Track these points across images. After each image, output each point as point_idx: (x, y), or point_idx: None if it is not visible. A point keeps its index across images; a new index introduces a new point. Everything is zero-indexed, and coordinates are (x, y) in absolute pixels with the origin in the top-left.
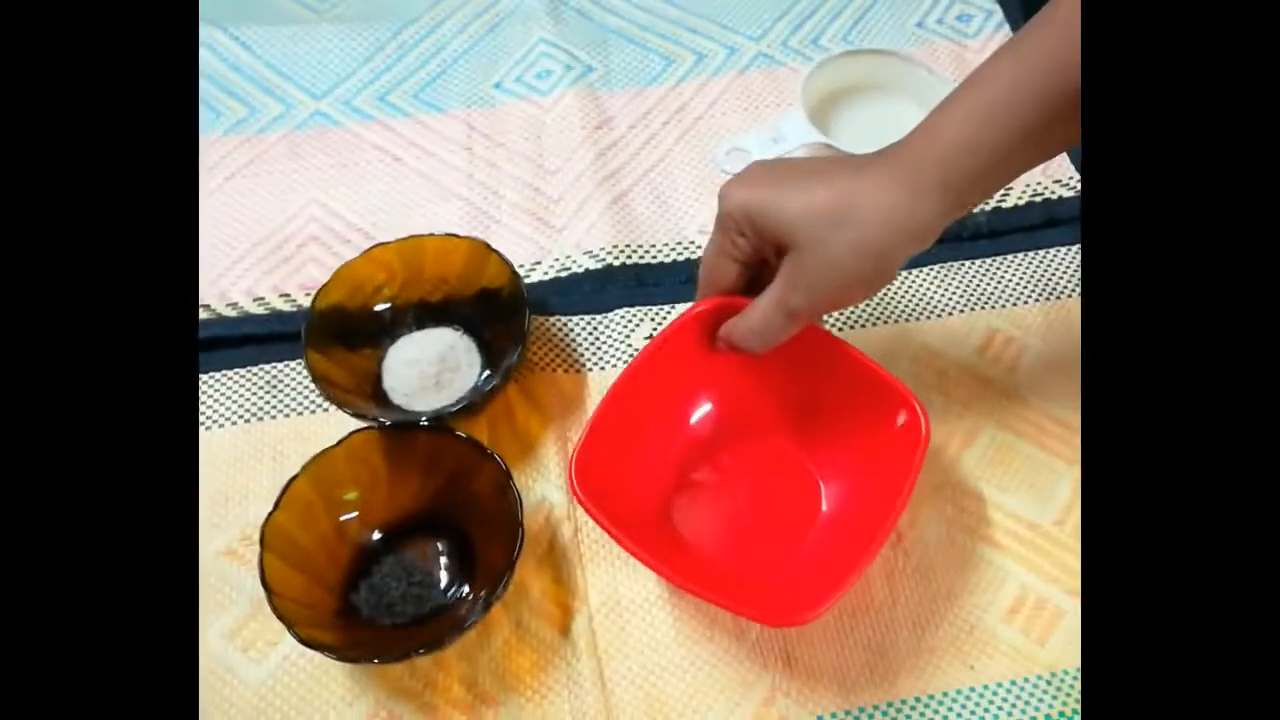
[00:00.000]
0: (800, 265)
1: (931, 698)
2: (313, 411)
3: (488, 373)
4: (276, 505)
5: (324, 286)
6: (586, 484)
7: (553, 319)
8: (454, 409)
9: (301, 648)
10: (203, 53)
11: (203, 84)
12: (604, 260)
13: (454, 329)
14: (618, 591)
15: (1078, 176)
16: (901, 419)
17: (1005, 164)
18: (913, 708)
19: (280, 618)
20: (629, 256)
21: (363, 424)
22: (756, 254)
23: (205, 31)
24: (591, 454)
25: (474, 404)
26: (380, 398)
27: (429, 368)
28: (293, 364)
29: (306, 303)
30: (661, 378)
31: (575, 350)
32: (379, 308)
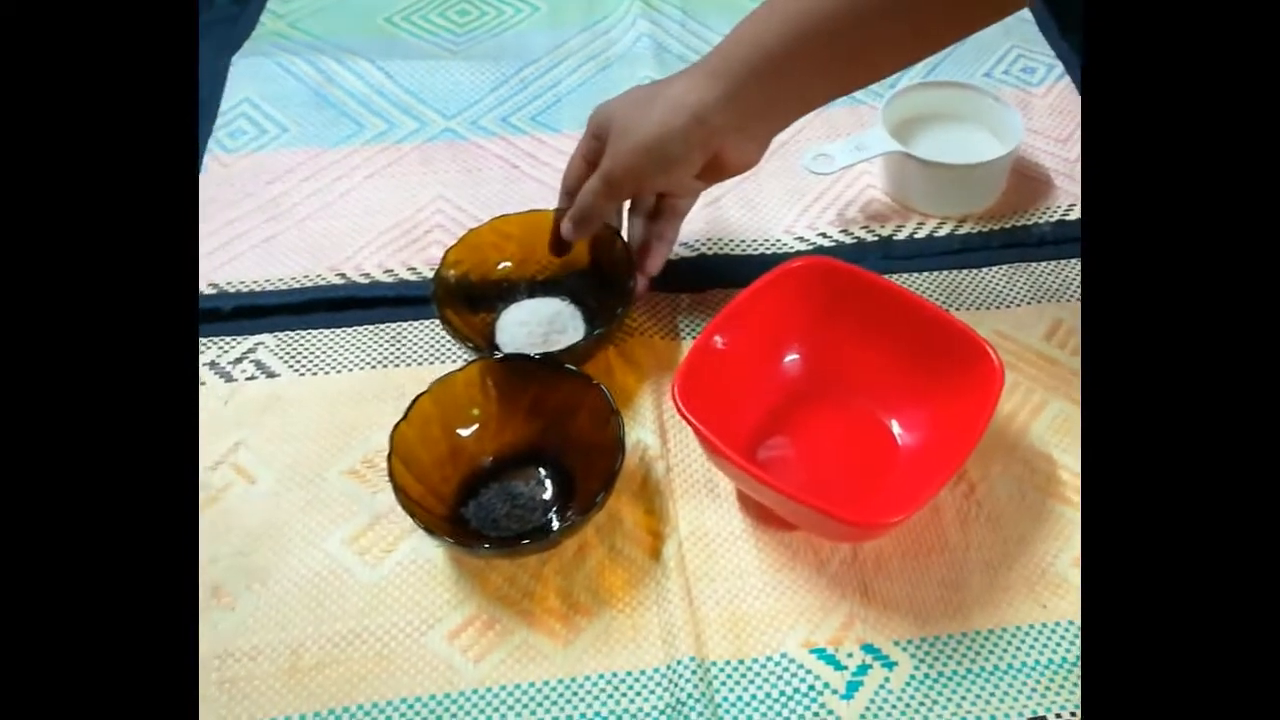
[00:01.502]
0: (615, 140)
1: (1004, 630)
2: (431, 364)
3: (598, 332)
4: (404, 417)
5: (452, 248)
6: (688, 402)
7: (651, 292)
8: (561, 352)
9: (413, 556)
10: (352, 80)
11: (348, 103)
12: (698, 250)
13: (562, 299)
14: (705, 524)
15: None
16: (977, 364)
17: (777, 67)
18: (985, 639)
19: (404, 508)
20: (721, 248)
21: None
22: (585, 161)
23: (356, 64)
24: (690, 380)
25: (579, 352)
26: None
27: (537, 328)
28: (416, 323)
29: (430, 275)
30: (755, 323)
31: (671, 319)
32: (500, 267)
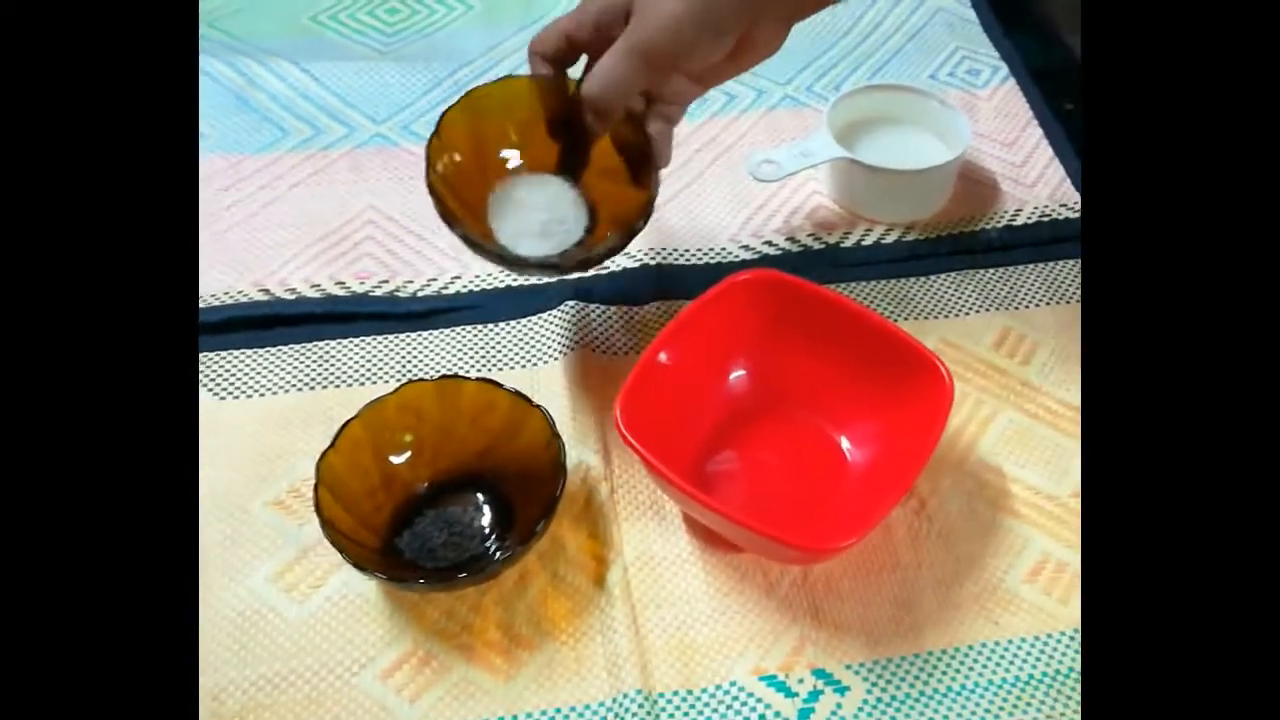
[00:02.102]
0: (640, 11)
1: (957, 650)
2: (362, 384)
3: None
4: (331, 445)
5: (451, 108)
6: (630, 425)
7: (593, 306)
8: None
9: (343, 590)
10: (275, 83)
11: (273, 108)
12: (640, 260)
13: (564, 179)
14: (651, 548)
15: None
16: (926, 378)
17: None
18: (939, 659)
19: (332, 543)
20: (665, 258)
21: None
22: (596, 30)
23: (279, 65)
24: (634, 401)
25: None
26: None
27: (533, 214)
28: (345, 341)
29: (360, 290)
30: (701, 338)
31: (611, 333)
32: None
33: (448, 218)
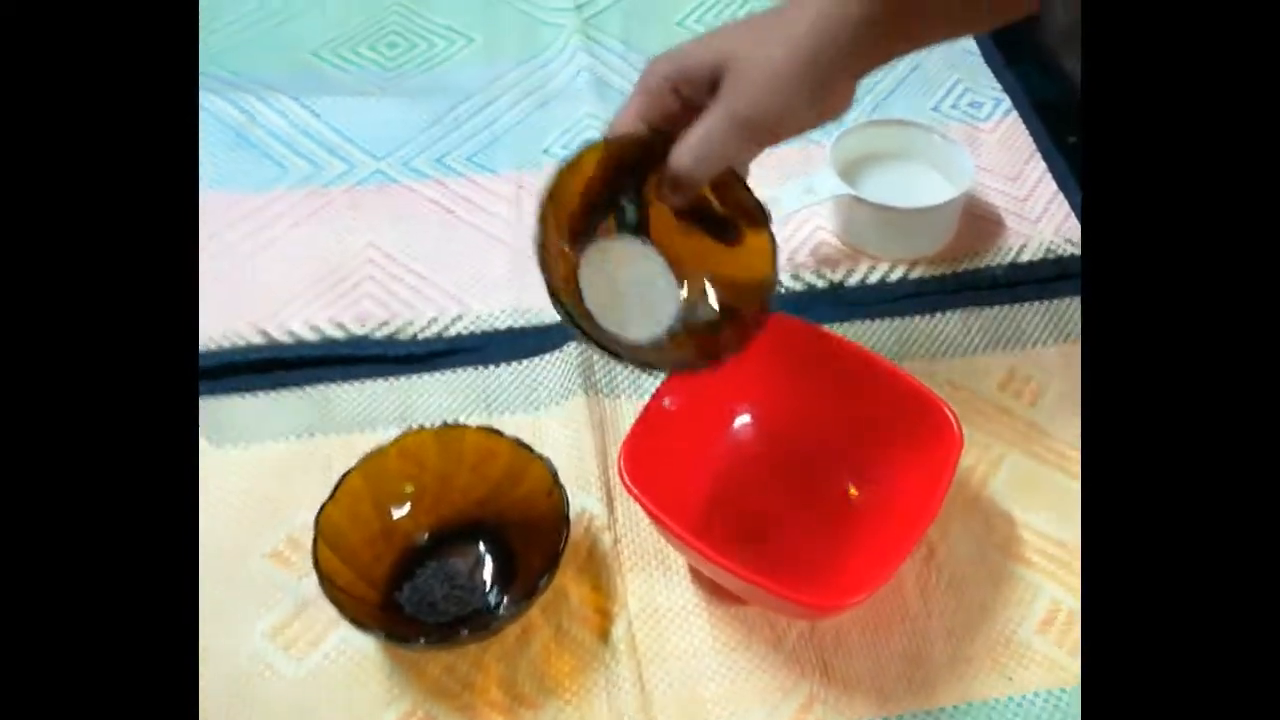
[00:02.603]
0: (738, 74)
1: (970, 705)
2: (361, 430)
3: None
4: (331, 497)
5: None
6: (634, 474)
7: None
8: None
9: (342, 647)
10: (275, 119)
11: (272, 144)
12: None
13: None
14: (656, 600)
15: None
16: (934, 426)
17: None
18: (951, 715)
19: (331, 600)
20: None
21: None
22: (681, 113)
23: (279, 100)
24: (638, 449)
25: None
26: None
27: (618, 290)
28: (344, 385)
29: (360, 332)
30: (707, 383)
31: (617, 378)
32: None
33: (579, 323)
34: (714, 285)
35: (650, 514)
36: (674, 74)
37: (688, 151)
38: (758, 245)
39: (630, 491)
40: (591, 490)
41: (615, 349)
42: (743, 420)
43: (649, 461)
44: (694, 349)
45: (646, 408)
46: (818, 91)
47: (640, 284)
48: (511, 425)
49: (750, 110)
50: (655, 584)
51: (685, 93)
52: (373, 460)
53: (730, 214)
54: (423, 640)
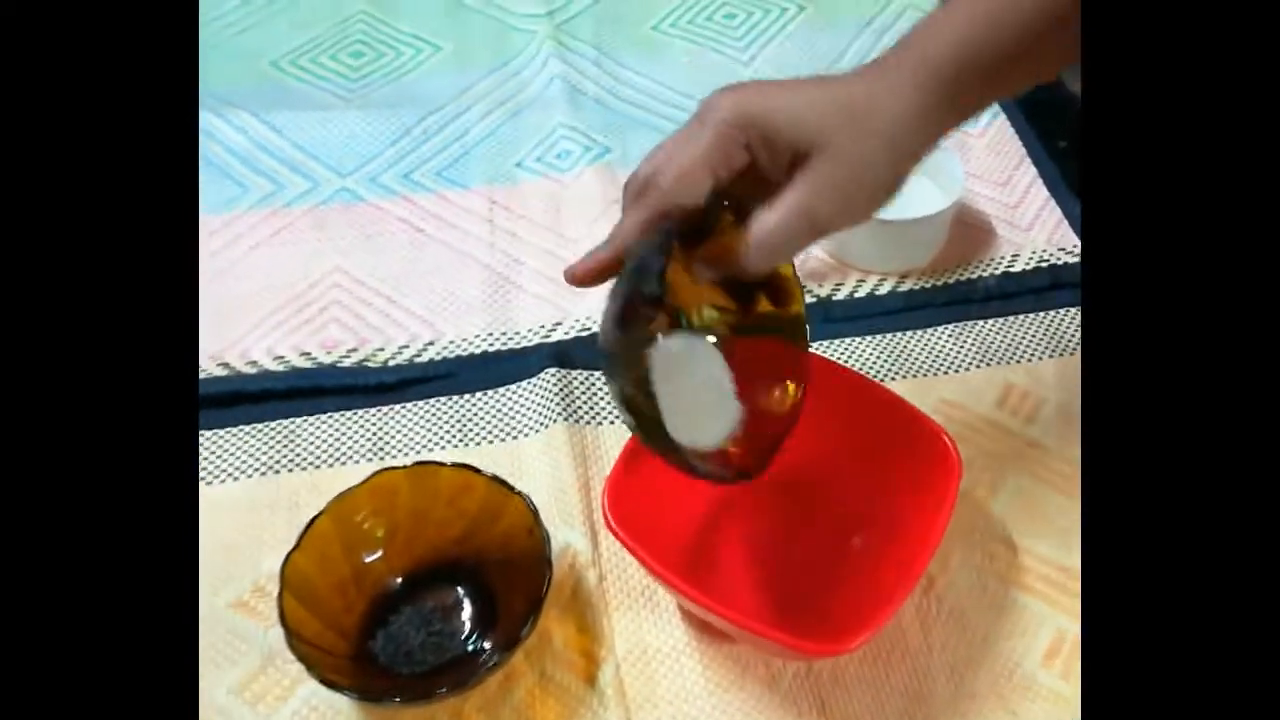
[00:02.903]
0: (828, 169)
1: None
2: (330, 465)
3: None
4: (297, 545)
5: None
6: (618, 514)
7: (576, 372)
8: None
9: (313, 703)
10: (234, 135)
11: (231, 162)
12: None
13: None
14: (644, 640)
15: (1080, 245)
16: (933, 454)
17: (1006, 70)
18: None
19: (299, 657)
20: None
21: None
22: (747, 170)
23: (238, 116)
24: (622, 484)
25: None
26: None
27: (684, 392)
28: (311, 419)
29: (327, 360)
30: None
31: (598, 404)
32: None
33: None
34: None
35: (636, 555)
36: (754, 131)
37: (761, 245)
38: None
39: (614, 532)
40: (575, 524)
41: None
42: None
43: (634, 496)
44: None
45: (629, 445)
46: (894, 191)
47: (708, 388)
48: (489, 455)
49: (832, 212)
50: (643, 623)
51: (759, 156)
52: (342, 502)
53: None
54: (398, 699)
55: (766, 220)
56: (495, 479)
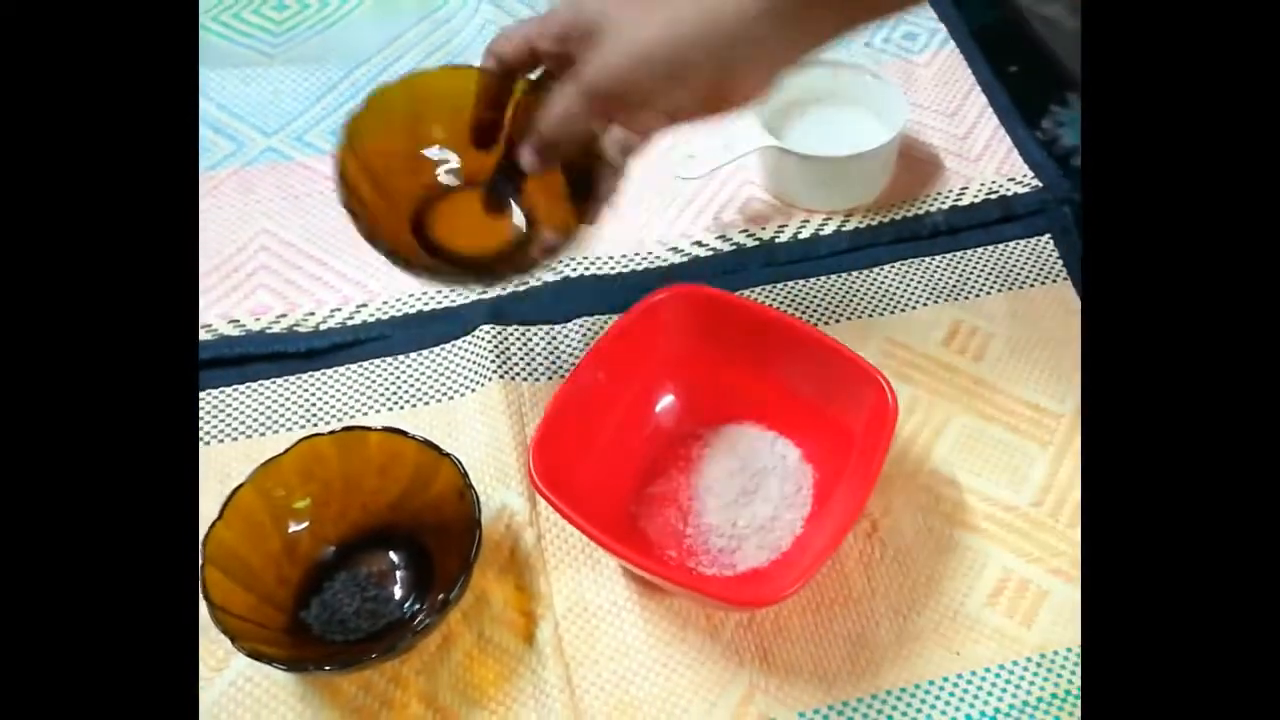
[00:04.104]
0: (603, 45)
1: (917, 687)
2: (261, 434)
3: None
4: (220, 516)
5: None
6: (546, 473)
7: (510, 329)
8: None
9: (248, 673)
10: None
11: None
12: (560, 272)
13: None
14: (584, 597)
15: (1031, 173)
16: (868, 396)
17: None
18: (898, 699)
19: (223, 631)
20: (586, 268)
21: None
22: (556, 46)
23: None
24: (550, 442)
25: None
26: None
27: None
28: (241, 387)
29: (255, 328)
30: (622, 368)
31: (530, 358)
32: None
33: (370, 235)
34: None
35: (564, 515)
36: (565, 17)
37: (547, 114)
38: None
39: (541, 492)
40: (511, 484)
41: (417, 264)
42: (667, 399)
43: (563, 454)
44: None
45: (556, 397)
46: (677, 79)
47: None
48: (424, 417)
49: (597, 86)
50: (583, 580)
51: (570, 42)
52: (265, 472)
53: (578, 179)
54: (327, 668)
55: (551, 98)
56: (425, 442)
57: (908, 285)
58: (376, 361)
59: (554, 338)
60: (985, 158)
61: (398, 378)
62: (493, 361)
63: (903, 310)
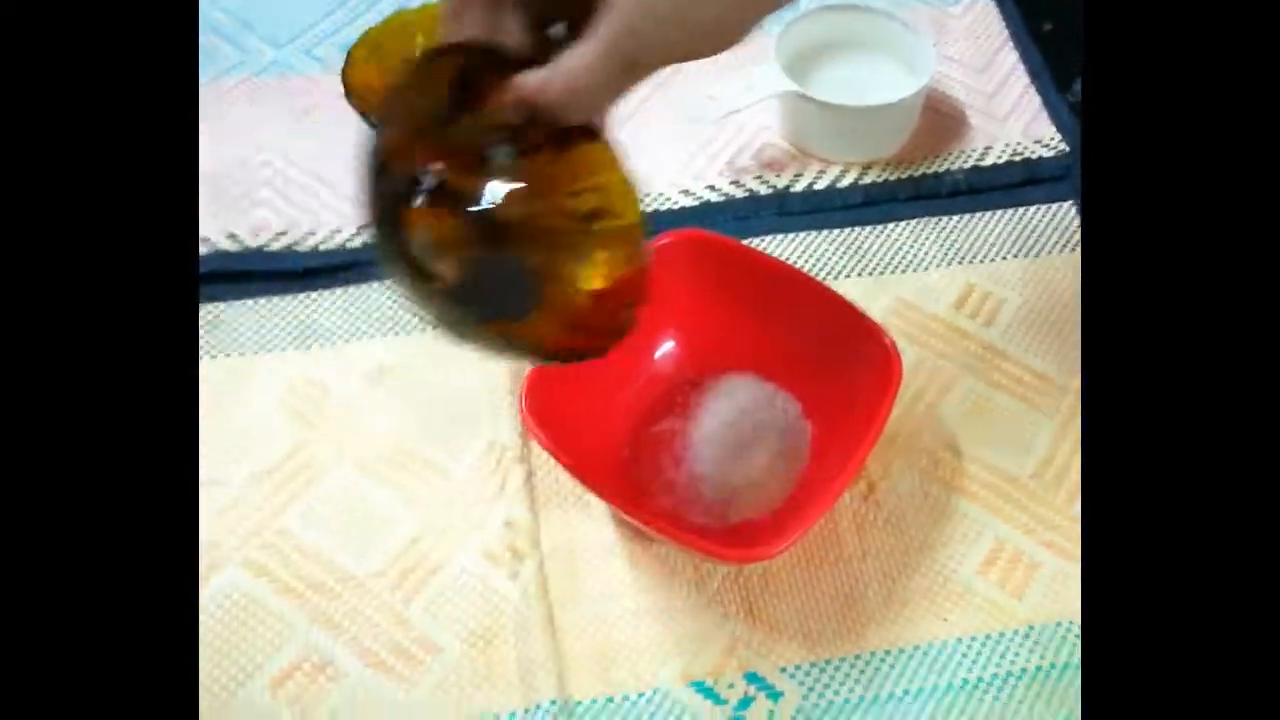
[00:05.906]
0: (626, 4)
1: (902, 651)
2: (256, 353)
3: None
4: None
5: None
6: (538, 410)
7: None
8: None
9: (228, 590)
10: None
11: None
12: None
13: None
14: (572, 538)
15: (1059, 137)
16: (871, 354)
17: None
18: (882, 660)
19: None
20: None
21: None
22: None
23: None
24: (545, 378)
25: None
26: None
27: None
28: (236, 303)
29: (254, 244)
30: None
31: None
32: None
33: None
34: None
35: (555, 455)
36: None
37: (560, 78)
38: None
39: (532, 430)
40: (503, 419)
41: None
42: (666, 348)
43: (558, 392)
44: None
45: None
46: (719, 32)
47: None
48: (419, 344)
49: (636, 49)
50: (572, 521)
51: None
52: None
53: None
54: None
55: (564, 60)
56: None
57: (922, 244)
58: (374, 284)
59: None
60: (1012, 118)
61: (394, 302)
62: None
63: (915, 270)
